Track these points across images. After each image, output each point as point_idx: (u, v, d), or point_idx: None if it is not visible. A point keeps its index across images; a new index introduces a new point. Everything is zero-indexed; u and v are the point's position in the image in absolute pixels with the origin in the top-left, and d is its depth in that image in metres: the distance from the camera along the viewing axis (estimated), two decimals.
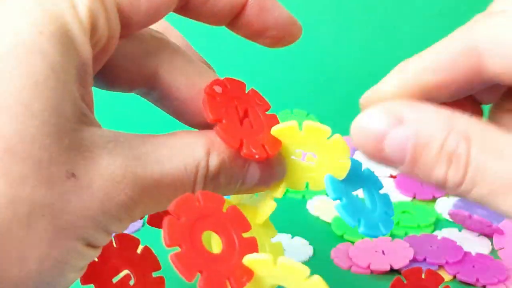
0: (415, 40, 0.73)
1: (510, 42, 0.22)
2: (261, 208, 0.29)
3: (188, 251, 0.23)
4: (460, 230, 0.46)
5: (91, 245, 0.23)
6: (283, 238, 0.44)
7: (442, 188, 0.22)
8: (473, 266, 0.41)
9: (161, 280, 0.29)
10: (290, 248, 0.43)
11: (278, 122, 0.27)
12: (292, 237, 0.44)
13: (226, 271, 0.23)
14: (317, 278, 0.24)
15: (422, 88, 0.24)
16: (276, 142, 0.27)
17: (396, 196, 0.50)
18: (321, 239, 0.44)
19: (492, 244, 0.44)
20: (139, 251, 0.29)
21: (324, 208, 0.48)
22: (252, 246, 0.24)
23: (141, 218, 0.25)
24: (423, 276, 0.32)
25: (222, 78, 0.27)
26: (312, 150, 0.28)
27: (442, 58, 0.23)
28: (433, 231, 0.46)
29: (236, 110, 0.26)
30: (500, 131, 0.21)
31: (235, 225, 0.24)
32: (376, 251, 0.42)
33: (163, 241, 0.23)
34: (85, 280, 0.28)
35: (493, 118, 0.26)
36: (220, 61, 0.70)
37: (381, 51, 0.73)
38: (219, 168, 0.25)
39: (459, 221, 0.46)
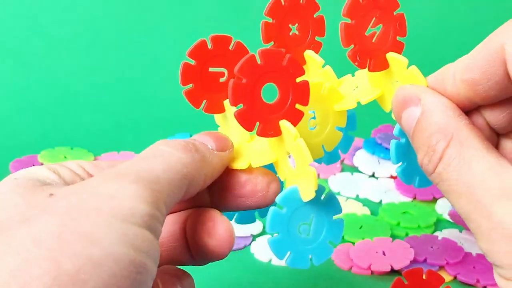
0: (415, 40, 0.73)
1: None
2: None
3: (249, 107, 0.27)
4: (460, 231, 0.46)
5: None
6: None
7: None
8: (474, 267, 0.41)
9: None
10: None
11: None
12: None
13: (280, 116, 0.28)
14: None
15: (459, 87, 0.28)
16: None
17: (397, 196, 0.50)
18: None
19: None
20: (231, 47, 0.31)
21: None
22: (304, 88, 0.28)
23: None
24: (423, 277, 0.32)
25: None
26: (315, 108, 0.31)
27: (473, 60, 0.27)
28: (434, 231, 0.46)
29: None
30: (481, 148, 0.25)
31: (291, 73, 0.28)
32: (376, 252, 0.42)
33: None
34: (184, 80, 0.30)
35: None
36: None
37: None
38: None
39: (459, 222, 0.46)
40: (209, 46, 0.31)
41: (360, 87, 0.33)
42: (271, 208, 0.28)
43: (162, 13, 0.72)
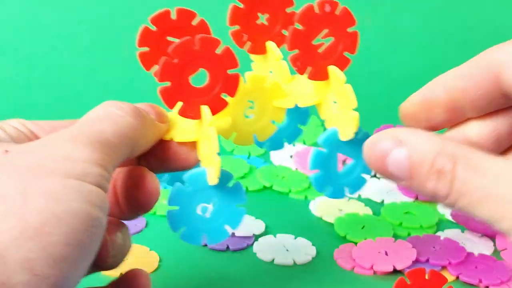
0: (415, 40, 0.73)
1: None
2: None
3: (174, 87, 0.28)
4: (462, 231, 0.46)
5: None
6: (287, 239, 0.44)
7: (434, 199, 0.26)
8: (476, 267, 0.41)
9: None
10: (293, 248, 0.43)
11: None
12: (295, 238, 0.44)
13: (203, 101, 0.29)
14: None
15: (451, 93, 0.28)
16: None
17: (399, 197, 0.50)
18: (324, 239, 0.44)
19: (494, 245, 0.44)
20: (194, 23, 0.33)
21: (326, 209, 0.48)
22: (234, 80, 0.29)
23: None
24: (426, 277, 0.32)
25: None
26: (255, 99, 0.32)
27: (466, 70, 0.28)
28: (436, 232, 0.46)
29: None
30: (486, 155, 0.25)
31: (224, 63, 0.29)
32: (379, 252, 0.42)
33: (155, 77, 0.29)
34: (141, 43, 0.32)
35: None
36: None
37: (381, 51, 0.73)
38: None
39: (461, 222, 0.46)
40: (173, 16, 0.32)
41: (306, 90, 0.33)
42: (176, 184, 0.30)
43: None
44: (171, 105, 0.29)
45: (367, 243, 0.43)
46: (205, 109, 0.29)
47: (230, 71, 0.29)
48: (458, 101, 0.29)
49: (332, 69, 0.31)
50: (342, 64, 0.32)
